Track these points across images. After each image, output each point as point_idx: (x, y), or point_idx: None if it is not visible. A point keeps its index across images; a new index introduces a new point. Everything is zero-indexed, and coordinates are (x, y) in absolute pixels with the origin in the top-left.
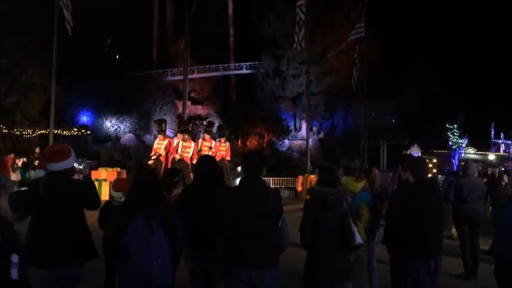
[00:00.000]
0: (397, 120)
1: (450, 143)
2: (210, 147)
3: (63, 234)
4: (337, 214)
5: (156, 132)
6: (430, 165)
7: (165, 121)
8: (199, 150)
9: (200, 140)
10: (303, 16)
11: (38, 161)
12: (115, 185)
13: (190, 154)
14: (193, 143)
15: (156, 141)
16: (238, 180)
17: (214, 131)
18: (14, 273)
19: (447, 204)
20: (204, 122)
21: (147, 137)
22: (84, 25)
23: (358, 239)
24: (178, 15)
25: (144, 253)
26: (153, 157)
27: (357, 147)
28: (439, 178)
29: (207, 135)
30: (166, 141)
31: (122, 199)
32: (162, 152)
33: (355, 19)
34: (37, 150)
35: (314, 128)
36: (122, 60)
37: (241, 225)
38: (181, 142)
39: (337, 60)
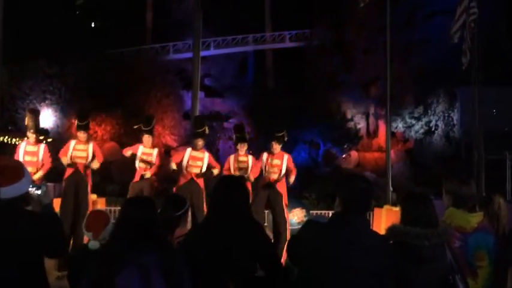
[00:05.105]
0: None
1: None
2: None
3: None
4: (436, 269)
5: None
6: None
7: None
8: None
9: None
10: None
11: None
12: (86, 222)
13: (204, 170)
14: (207, 154)
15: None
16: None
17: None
18: None
19: None
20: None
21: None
22: None
23: None
24: None
25: None
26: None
27: (468, 162)
28: None
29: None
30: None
31: (92, 242)
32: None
33: None
34: None
35: (398, 133)
36: (99, 29)
37: (330, 285)
38: (189, 150)
39: (433, 25)
